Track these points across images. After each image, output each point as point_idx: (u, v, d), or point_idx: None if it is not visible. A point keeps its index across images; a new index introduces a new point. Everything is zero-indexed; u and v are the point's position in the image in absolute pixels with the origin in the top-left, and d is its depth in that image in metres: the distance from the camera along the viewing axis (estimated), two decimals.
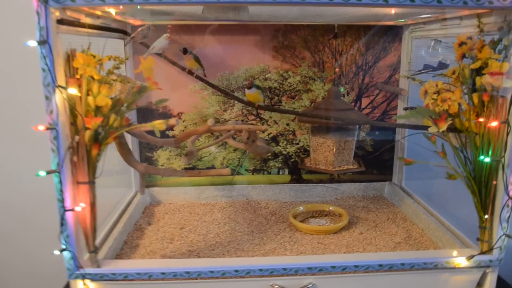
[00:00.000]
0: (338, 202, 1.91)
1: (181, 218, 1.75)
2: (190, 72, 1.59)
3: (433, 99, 1.25)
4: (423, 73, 1.67)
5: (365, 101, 1.90)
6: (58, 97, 1.06)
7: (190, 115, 1.88)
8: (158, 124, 1.17)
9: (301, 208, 1.73)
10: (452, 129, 1.26)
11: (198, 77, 1.58)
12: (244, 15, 1.56)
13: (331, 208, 1.75)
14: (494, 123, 1.14)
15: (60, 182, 1.09)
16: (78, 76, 1.10)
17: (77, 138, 1.14)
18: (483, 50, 1.16)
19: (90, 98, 1.12)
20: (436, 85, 1.26)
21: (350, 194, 1.97)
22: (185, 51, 1.55)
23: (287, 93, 1.88)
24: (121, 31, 1.62)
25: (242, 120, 1.90)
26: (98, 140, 1.16)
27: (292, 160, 1.95)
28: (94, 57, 1.18)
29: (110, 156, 1.34)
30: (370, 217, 1.73)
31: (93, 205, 1.17)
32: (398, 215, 1.75)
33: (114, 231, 1.49)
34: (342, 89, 1.87)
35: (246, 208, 1.85)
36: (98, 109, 1.15)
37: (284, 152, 1.94)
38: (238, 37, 1.82)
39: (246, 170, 1.96)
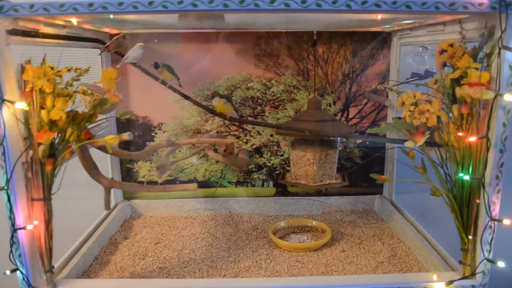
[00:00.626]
0: (325, 216, 1.83)
1: (159, 232, 1.69)
2: (163, 83, 1.54)
3: (410, 111, 1.17)
4: (410, 82, 1.58)
5: (353, 111, 1.82)
6: (6, 112, 1.01)
7: (170, 125, 1.83)
8: (110, 140, 1.12)
9: (282, 223, 1.66)
10: (431, 143, 1.17)
11: (171, 88, 1.53)
12: (220, 23, 1.50)
13: (314, 223, 1.67)
14: (472, 138, 1.06)
15: (9, 199, 1.04)
16: (27, 89, 1.05)
17: (31, 153, 1.09)
18: (462, 59, 1.08)
19: (43, 112, 1.07)
20: (414, 96, 1.18)
21: (338, 207, 1.89)
22: (156, 65, 1.50)
23: (271, 102, 1.82)
24: (94, 40, 1.57)
25: (218, 132, 1.84)
26: (53, 155, 1.11)
27: (277, 172, 1.88)
28: (52, 68, 1.14)
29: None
30: (355, 233, 1.65)
31: (48, 223, 1.12)
32: (386, 231, 1.67)
33: (84, 246, 1.43)
34: (328, 97, 1.79)
35: (227, 222, 1.79)
36: (53, 123, 1.10)
37: (268, 164, 1.87)
38: (219, 45, 1.76)
39: (229, 182, 1.89)
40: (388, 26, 1.60)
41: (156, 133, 1.83)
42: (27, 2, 1.01)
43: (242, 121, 1.68)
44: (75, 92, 1.21)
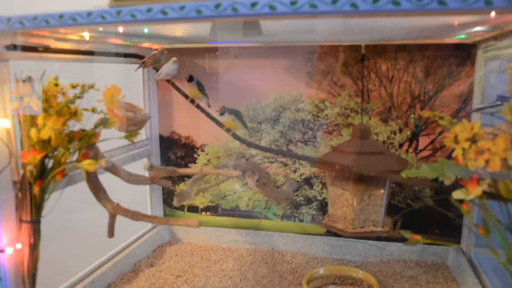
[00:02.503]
0: (382, 266, 1.52)
1: (187, 263, 1.55)
2: (192, 101, 1.41)
3: (464, 148, 0.86)
4: (494, 107, 1.22)
5: (423, 141, 1.49)
6: None
7: (213, 147, 1.69)
8: (87, 165, 1.00)
9: (321, 270, 1.40)
10: (493, 195, 0.85)
11: (199, 108, 1.40)
12: (254, 34, 1.33)
13: (360, 274, 1.38)
14: None
15: None
16: (13, 106, 1.00)
17: (22, 172, 1.04)
18: None
19: (32, 131, 1.01)
20: (471, 128, 0.86)
21: (400, 256, 1.55)
22: (190, 78, 1.38)
23: (323, 127, 1.58)
24: (132, 55, 1.52)
25: (252, 158, 1.64)
26: (43, 176, 1.04)
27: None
28: (57, 85, 1.08)
29: (124, 185, 1.23)
30: None
31: (33, 247, 1.05)
32: None
33: (97, 272, 1.36)
34: (415, 122, 1.48)
35: (265, 259, 1.58)
36: (46, 142, 1.03)
37: (319, 198, 1.62)
38: (266, 60, 1.59)
39: (275, 214, 1.69)
40: (463, 36, 1.27)
41: (198, 155, 1.71)
42: (30, 14, 0.97)
43: (246, 142, 1.45)
44: (84, 109, 1.14)
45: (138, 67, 1.49)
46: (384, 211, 1.24)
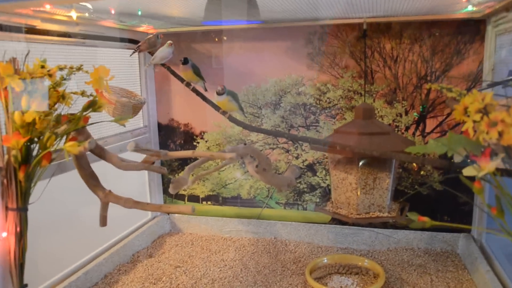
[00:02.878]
0: (389, 254, 1.45)
1: (187, 253, 1.50)
2: (188, 84, 1.35)
3: (475, 121, 0.79)
4: (507, 84, 1.15)
5: (431, 123, 1.42)
6: None
7: (213, 134, 1.64)
8: (70, 147, 0.95)
9: (325, 259, 1.34)
10: (506, 171, 0.78)
11: (194, 90, 1.34)
12: (254, 14, 1.27)
13: (366, 263, 1.31)
14: None
15: None
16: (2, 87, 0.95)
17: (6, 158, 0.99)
18: None
19: (16, 114, 0.96)
20: (482, 100, 0.80)
21: (408, 244, 1.49)
22: (185, 60, 1.33)
23: (326, 111, 1.51)
24: (126, 40, 1.46)
25: (253, 144, 1.58)
26: (29, 161, 0.99)
27: None
28: (43, 67, 1.03)
29: (124, 174, 1.19)
30: (421, 283, 1.25)
31: (20, 236, 1.00)
32: (465, 285, 1.24)
33: (92, 262, 1.31)
34: (423, 108, 1.42)
35: (268, 249, 1.52)
36: (31, 125, 0.98)
37: (323, 184, 1.56)
38: (265, 43, 1.52)
39: (277, 203, 1.63)
40: (471, 8, 1.19)
41: (198, 143, 1.65)
42: None
43: (242, 125, 1.37)
44: (73, 93, 1.09)
45: (133, 52, 1.44)
46: (390, 195, 1.17)
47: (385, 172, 1.15)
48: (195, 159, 1.45)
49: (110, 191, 1.13)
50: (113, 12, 1.28)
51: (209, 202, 1.69)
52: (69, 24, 1.21)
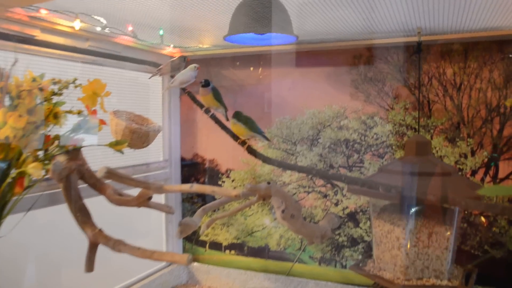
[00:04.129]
0: None
1: None
2: (207, 111, 1.18)
3: None
4: None
5: (505, 166, 1.13)
6: None
7: (240, 173, 1.44)
8: (32, 168, 0.78)
9: None
10: None
11: (213, 118, 1.16)
12: (284, 26, 1.09)
13: None
14: None
15: None
16: None
17: None
18: None
19: None
20: None
21: None
22: (206, 83, 1.16)
23: (373, 149, 1.27)
24: (147, 62, 1.33)
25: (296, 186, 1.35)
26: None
27: None
28: (35, 80, 0.90)
29: (137, 213, 1.02)
30: None
31: None
32: None
33: None
34: (461, 144, 1.15)
35: None
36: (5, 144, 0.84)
37: (366, 238, 1.29)
38: (303, 69, 1.33)
39: (311, 257, 1.37)
40: None
41: (223, 181, 1.46)
42: None
43: (262, 158, 1.15)
44: (68, 112, 0.95)
45: (153, 75, 1.30)
46: (451, 257, 0.89)
47: (445, 226, 0.88)
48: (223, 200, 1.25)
49: (100, 229, 0.95)
50: (130, 28, 1.17)
51: (232, 252, 1.46)
52: (77, 39, 1.09)
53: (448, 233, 0.87)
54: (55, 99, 0.90)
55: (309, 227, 1.14)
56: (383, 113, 1.25)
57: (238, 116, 1.11)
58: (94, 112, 0.88)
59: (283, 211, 1.09)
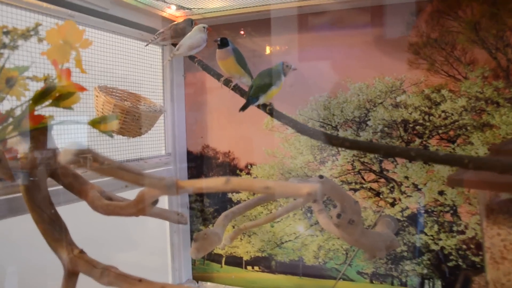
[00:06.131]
0: None
1: None
2: (227, 82, 0.88)
3: None
4: None
5: None
6: None
7: (264, 168, 1.14)
8: None
9: None
10: None
11: (235, 90, 0.86)
12: None
13: None
14: None
15: None
16: None
17: None
18: None
19: None
20: None
21: None
22: (223, 42, 0.87)
23: (440, 131, 0.98)
24: (142, 27, 1.03)
25: (340, 182, 1.05)
26: None
27: (451, 263, 0.98)
28: None
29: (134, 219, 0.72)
30: None
31: None
32: None
33: None
34: None
35: None
36: None
37: (433, 247, 1.00)
38: (343, 31, 1.04)
39: (360, 273, 1.07)
40: None
41: None
42: None
43: (309, 134, 0.83)
44: (30, 78, 0.64)
45: (150, 42, 1.00)
46: None
47: None
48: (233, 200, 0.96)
49: (81, 251, 0.64)
50: None
51: (256, 268, 1.16)
52: None
53: None
54: (8, 56, 0.59)
55: (371, 236, 0.85)
56: (453, 84, 0.96)
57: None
58: (67, 72, 0.57)
59: (338, 216, 0.80)
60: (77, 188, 0.66)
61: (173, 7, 1.07)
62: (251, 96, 0.80)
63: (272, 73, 0.82)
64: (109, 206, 0.62)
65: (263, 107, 0.84)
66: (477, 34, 0.94)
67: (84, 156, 0.44)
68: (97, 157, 0.46)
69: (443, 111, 0.98)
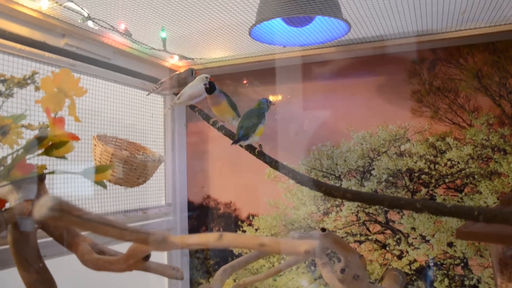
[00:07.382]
0: None
1: None
2: (215, 123, 0.87)
3: None
4: None
5: None
6: None
7: (266, 219, 1.10)
8: None
9: None
10: None
11: (221, 130, 0.85)
12: (332, 8, 0.80)
13: None
14: None
15: None
16: None
17: None
18: None
19: None
20: None
21: None
22: (211, 86, 0.87)
23: (447, 179, 0.95)
24: (144, 76, 1.03)
25: (344, 234, 1.01)
26: None
27: None
28: None
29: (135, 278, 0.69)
30: None
31: None
32: None
33: None
34: None
35: None
36: None
37: None
38: (347, 80, 1.04)
39: None
40: None
41: (244, 231, 1.12)
42: None
43: (292, 175, 0.80)
44: (26, 126, 0.64)
45: (151, 91, 1.00)
46: None
47: None
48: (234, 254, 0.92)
49: None
50: (123, 26, 0.88)
51: None
52: (49, 33, 0.80)
53: None
54: (2, 103, 0.59)
55: None
56: (458, 132, 0.95)
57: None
58: (60, 121, 0.56)
59: (342, 271, 0.76)
60: (68, 240, 0.63)
61: (176, 57, 1.09)
62: (243, 137, 0.79)
63: (259, 113, 0.82)
64: (99, 261, 0.59)
65: (251, 150, 0.82)
66: (480, 82, 0.94)
67: (61, 210, 0.41)
68: (74, 211, 0.44)
69: (449, 160, 0.95)
